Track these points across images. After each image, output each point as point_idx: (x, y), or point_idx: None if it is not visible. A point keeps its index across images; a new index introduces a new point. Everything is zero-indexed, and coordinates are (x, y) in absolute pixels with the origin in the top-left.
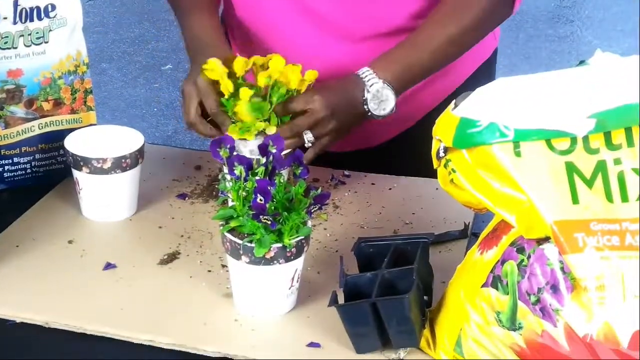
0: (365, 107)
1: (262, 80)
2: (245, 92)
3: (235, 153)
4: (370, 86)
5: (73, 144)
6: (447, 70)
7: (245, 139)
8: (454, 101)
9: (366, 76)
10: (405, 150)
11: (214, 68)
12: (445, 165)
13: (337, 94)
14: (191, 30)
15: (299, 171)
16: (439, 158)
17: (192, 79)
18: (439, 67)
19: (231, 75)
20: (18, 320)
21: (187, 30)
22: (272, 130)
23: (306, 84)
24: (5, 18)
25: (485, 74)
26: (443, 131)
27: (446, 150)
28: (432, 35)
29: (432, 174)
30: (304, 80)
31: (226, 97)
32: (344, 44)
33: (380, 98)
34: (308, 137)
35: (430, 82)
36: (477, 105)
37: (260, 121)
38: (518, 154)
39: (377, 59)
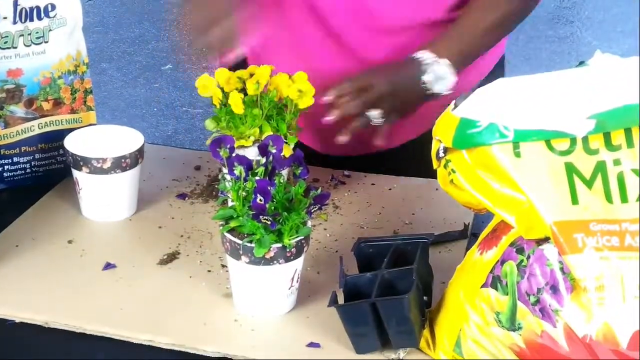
0: (425, 85)
1: (250, 87)
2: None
3: (234, 154)
4: (428, 65)
5: (73, 143)
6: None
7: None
8: (453, 101)
9: (422, 58)
10: (407, 154)
11: (206, 83)
12: (445, 166)
13: (396, 72)
14: None
15: (299, 171)
16: (438, 158)
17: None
18: (486, 48)
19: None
20: (17, 320)
21: None
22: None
23: (295, 88)
24: (5, 18)
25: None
26: (443, 131)
27: (446, 150)
28: (480, 19)
29: (432, 175)
30: (293, 82)
31: (217, 106)
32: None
33: (439, 76)
34: (372, 114)
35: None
36: (476, 106)
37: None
38: (518, 155)
39: (434, 40)
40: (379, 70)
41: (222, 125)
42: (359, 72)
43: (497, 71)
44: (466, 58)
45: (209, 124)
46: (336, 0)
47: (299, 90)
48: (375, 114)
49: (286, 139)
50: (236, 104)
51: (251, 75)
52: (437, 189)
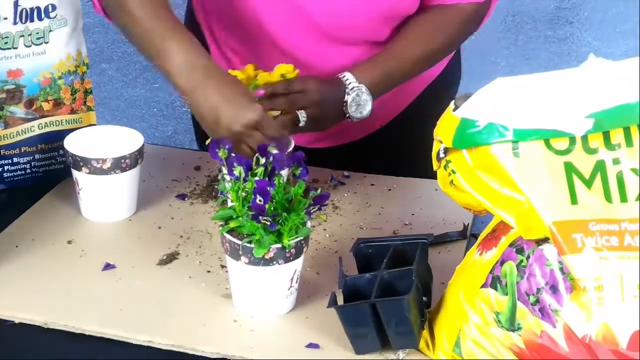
0: (345, 109)
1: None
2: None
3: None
4: (351, 89)
5: (73, 144)
6: None
7: None
8: (453, 102)
9: (347, 79)
10: (405, 155)
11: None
12: (445, 167)
13: (327, 86)
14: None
15: (299, 172)
16: (439, 159)
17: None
18: (412, 77)
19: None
20: (17, 321)
21: (138, 24)
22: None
23: (277, 73)
24: (5, 18)
25: (455, 70)
26: (443, 132)
27: (446, 151)
28: (411, 49)
29: (432, 175)
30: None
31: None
32: (336, 47)
33: (358, 102)
34: (302, 115)
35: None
36: (476, 106)
37: None
38: (517, 154)
39: (359, 64)
40: (314, 80)
41: None
42: (298, 77)
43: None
44: (387, 85)
45: None
46: (285, 19)
47: (281, 75)
48: (302, 115)
49: None
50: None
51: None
52: (436, 190)
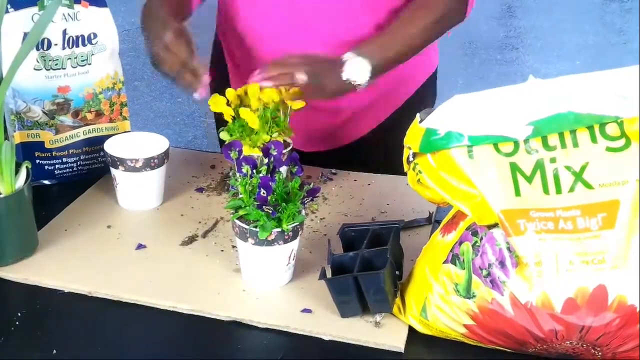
0: (342, 73)
1: (254, 103)
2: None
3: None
4: (350, 59)
5: (111, 147)
6: (397, 86)
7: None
8: (418, 115)
9: (347, 55)
10: (368, 149)
11: (217, 101)
12: (414, 169)
13: (318, 63)
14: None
15: (295, 169)
16: (408, 163)
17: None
18: (407, 53)
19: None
20: (66, 290)
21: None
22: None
23: (289, 94)
24: (56, 44)
25: (430, 88)
26: (412, 140)
27: (414, 155)
28: (404, 27)
29: (403, 172)
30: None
31: (229, 121)
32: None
33: (358, 69)
34: (301, 76)
35: (386, 94)
36: (438, 118)
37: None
38: (471, 156)
39: (358, 45)
40: (304, 61)
41: (235, 137)
42: (284, 58)
43: (429, 87)
44: (382, 59)
45: (224, 135)
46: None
47: (292, 96)
48: (303, 77)
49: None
50: (251, 120)
51: (245, 92)
52: (407, 184)
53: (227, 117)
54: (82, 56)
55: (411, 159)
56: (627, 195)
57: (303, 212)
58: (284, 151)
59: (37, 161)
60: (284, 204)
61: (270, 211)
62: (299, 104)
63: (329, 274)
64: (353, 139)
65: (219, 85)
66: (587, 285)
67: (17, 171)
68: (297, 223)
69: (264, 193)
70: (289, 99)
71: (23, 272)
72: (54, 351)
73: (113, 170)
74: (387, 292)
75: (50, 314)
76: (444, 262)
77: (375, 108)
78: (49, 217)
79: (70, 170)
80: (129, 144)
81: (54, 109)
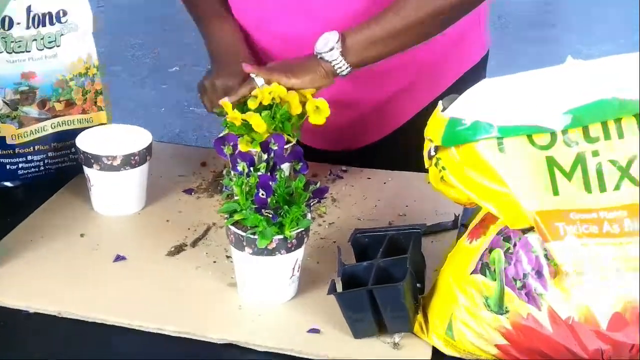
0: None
1: (266, 98)
2: (252, 103)
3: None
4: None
5: (84, 142)
6: (430, 77)
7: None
8: (440, 103)
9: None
10: (389, 154)
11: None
12: (436, 164)
13: (296, 63)
14: (213, 36)
15: (299, 167)
16: (430, 157)
17: (212, 78)
18: (392, 43)
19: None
20: (32, 311)
21: (209, 35)
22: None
23: (313, 104)
24: (18, 23)
25: (470, 82)
26: (433, 131)
27: (436, 149)
28: (387, 17)
29: (424, 168)
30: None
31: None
32: None
33: (325, 38)
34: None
35: (413, 89)
36: (463, 106)
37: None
38: (502, 150)
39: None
40: (279, 68)
41: (233, 129)
42: (263, 69)
43: (480, 69)
44: (357, 40)
45: (226, 130)
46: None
47: (316, 106)
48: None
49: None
50: (258, 124)
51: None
52: (429, 182)
53: (238, 122)
54: (49, 37)
55: (433, 153)
56: None
57: (309, 215)
58: (285, 146)
59: None
60: (287, 206)
61: (271, 215)
62: (317, 119)
63: (339, 288)
64: (369, 142)
65: None
66: (637, 298)
67: None
68: (302, 229)
69: (263, 194)
70: (312, 110)
71: None
72: None
73: (87, 170)
74: (407, 307)
75: (13, 339)
76: (472, 272)
77: (399, 105)
78: (11, 225)
79: (37, 169)
80: (105, 138)
81: (17, 98)
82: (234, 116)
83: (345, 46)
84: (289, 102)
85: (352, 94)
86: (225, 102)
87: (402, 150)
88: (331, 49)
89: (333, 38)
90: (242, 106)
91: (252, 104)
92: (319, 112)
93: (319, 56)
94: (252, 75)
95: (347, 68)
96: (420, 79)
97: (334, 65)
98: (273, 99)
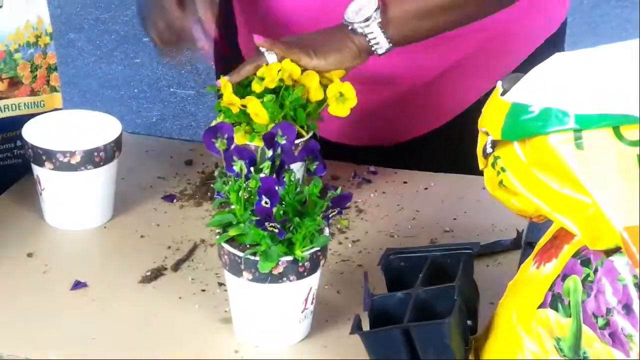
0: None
1: (272, 76)
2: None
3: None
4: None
5: (33, 133)
6: (489, 60)
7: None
8: (499, 84)
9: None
10: (433, 150)
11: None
12: (494, 165)
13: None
14: None
15: (314, 167)
16: (485, 156)
17: None
18: (446, 15)
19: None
20: None
21: None
22: None
23: (336, 89)
24: None
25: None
26: (490, 121)
27: (494, 144)
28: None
29: (478, 170)
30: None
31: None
32: None
33: (360, 8)
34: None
35: (473, 74)
36: (530, 88)
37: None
38: (580, 146)
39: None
40: (300, 43)
41: (227, 117)
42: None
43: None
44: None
45: (219, 117)
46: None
47: (340, 92)
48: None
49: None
50: (257, 112)
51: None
52: (484, 188)
53: (235, 110)
54: None
55: (489, 149)
56: None
57: (327, 231)
58: (297, 140)
59: None
60: (298, 219)
61: (277, 230)
62: (341, 111)
63: (366, 326)
64: (416, 135)
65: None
66: None
67: None
68: (318, 248)
69: (266, 203)
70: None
71: None
72: None
73: (36, 169)
74: (454, 351)
75: None
76: (540, 306)
77: (457, 92)
78: None
79: None
80: (61, 128)
81: None
82: (231, 100)
83: (386, 16)
84: (304, 85)
85: (393, 66)
86: (225, 81)
87: (451, 145)
88: (367, 19)
89: (371, 4)
90: (244, 89)
91: (257, 86)
92: (342, 101)
93: (350, 27)
94: (263, 50)
95: (386, 45)
96: (490, 45)
97: (369, 41)
98: (282, 80)
